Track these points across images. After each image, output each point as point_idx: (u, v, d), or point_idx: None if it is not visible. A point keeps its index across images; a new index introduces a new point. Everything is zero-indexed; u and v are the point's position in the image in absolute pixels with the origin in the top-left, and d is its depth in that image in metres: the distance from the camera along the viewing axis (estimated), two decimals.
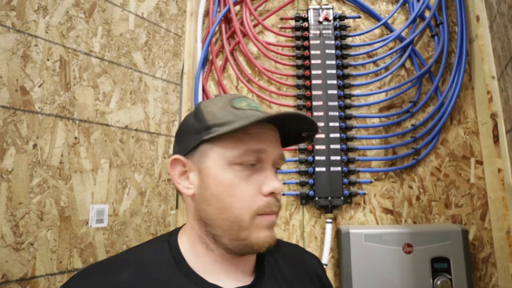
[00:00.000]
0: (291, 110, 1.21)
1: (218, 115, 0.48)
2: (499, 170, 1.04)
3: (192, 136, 0.50)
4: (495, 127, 1.07)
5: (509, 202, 1.01)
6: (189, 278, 0.47)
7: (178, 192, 0.59)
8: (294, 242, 1.14)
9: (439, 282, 0.99)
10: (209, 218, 0.48)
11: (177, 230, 0.55)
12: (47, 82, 0.80)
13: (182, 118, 1.13)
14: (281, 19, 1.26)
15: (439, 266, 1.02)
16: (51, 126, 0.80)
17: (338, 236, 1.09)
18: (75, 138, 0.85)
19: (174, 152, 0.54)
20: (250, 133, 0.48)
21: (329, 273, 1.11)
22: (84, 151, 0.86)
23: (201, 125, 0.49)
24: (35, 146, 0.77)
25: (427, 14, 1.23)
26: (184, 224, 0.56)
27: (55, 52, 0.82)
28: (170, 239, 0.52)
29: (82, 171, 0.85)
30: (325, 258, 1.08)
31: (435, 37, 1.22)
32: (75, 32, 0.87)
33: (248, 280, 0.51)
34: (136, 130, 0.99)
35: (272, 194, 0.47)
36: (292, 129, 0.52)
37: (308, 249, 1.12)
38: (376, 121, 1.20)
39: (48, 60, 0.81)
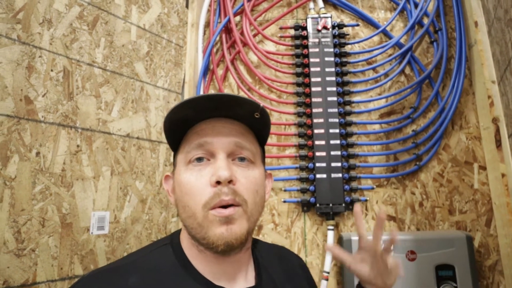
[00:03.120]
0: (291, 116, 1.22)
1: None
2: (503, 175, 1.03)
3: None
4: (497, 131, 1.06)
5: None
6: (196, 280, 0.48)
7: None
8: (296, 250, 1.13)
9: None
10: (182, 219, 0.49)
11: (177, 233, 0.55)
12: (51, 92, 0.83)
13: None
14: (281, 28, 1.28)
15: (444, 273, 1.00)
16: (54, 135, 0.82)
17: (340, 243, 1.08)
18: (77, 146, 0.86)
19: None
20: (196, 131, 0.50)
21: (332, 282, 1.10)
22: (86, 158, 0.88)
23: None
24: (38, 154, 0.79)
25: (426, 20, 1.24)
26: (181, 229, 0.56)
27: (59, 63, 0.85)
28: (172, 243, 0.52)
29: (84, 179, 0.87)
30: (327, 266, 1.07)
31: (434, 43, 1.23)
32: (78, 43, 0.90)
33: (250, 282, 0.51)
34: (137, 138, 1.01)
35: (219, 183, 0.46)
36: (244, 115, 0.52)
37: (310, 257, 1.12)
38: (376, 127, 1.20)
39: (52, 70, 0.83)
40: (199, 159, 0.48)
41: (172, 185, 0.53)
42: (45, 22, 0.84)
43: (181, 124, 0.51)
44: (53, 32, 0.85)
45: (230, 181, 0.46)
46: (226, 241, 0.45)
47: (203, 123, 0.51)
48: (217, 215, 0.45)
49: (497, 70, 1.07)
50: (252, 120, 0.52)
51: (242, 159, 0.50)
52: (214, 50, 1.27)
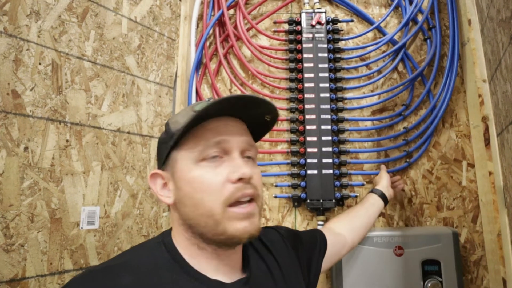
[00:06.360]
0: (283, 112, 1.22)
1: (180, 122, 0.51)
2: (490, 173, 1.04)
3: (162, 148, 0.54)
4: (486, 130, 1.07)
5: (500, 205, 1.01)
6: (192, 276, 0.48)
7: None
8: None
9: (429, 285, 0.99)
10: (188, 218, 0.49)
11: (168, 231, 0.55)
12: (39, 86, 0.81)
13: None
14: (275, 22, 1.27)
15: (430, 268, 1.02)
16: (43, 129, 0.81)
17: None
18: (67, 140, 0.86)
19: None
20: (209, 128, 0.50)
21: (321, 276, 1.11)
22: (76, 153, 0.87)
23: (167, 135, 0.53)
24: (26, 148, 0.78)
25: (420, 17, 1.24)
26: (171, 228, 0.56)
27: (47, 56, 0.83)
28: (164, 241, 0.52)
29: (74, 174, 0.86)
30: None
31: (428, 41, 1.23)
32: (67, 36, 0.88)
33: (242, 272, 0.53)
34: (128, 132, 1.00)
35: (241, 180, 0.48)
36: (254, 116, 0.53)
37: None
38: (368, 124, 1.21)
39: (40, 64, 0.82)
40: (214, 157, 0.49)
41: (160, 184, 0.53)
42: (33, 14, 0.82)
43: (196, 121, 0.49)
44: (41, 24, 0.83)
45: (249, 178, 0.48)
46: (250, 234, 0.48)
47: (214, 120, 0.51)
48: (238, 212, 0.47)
49: (488, 69, 1.08)
50: (257, 121, 0.54)
51: (248, 157, 0.52)
52: (207, 43, 1.26)
